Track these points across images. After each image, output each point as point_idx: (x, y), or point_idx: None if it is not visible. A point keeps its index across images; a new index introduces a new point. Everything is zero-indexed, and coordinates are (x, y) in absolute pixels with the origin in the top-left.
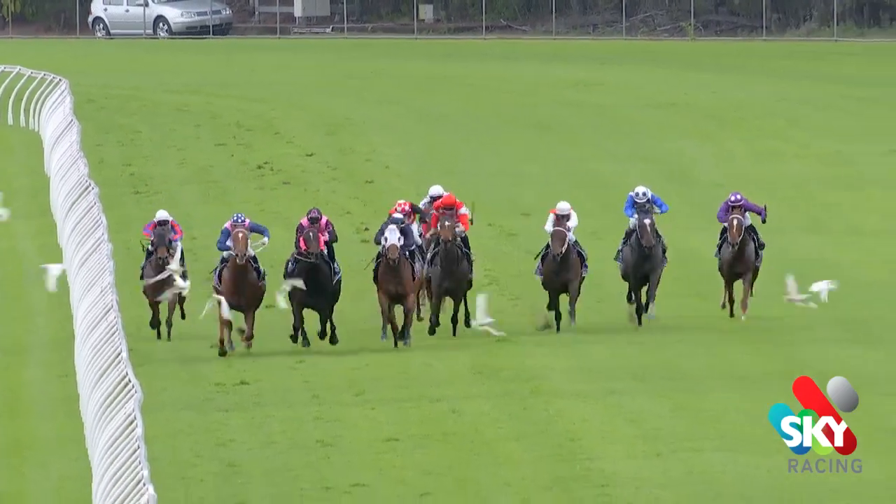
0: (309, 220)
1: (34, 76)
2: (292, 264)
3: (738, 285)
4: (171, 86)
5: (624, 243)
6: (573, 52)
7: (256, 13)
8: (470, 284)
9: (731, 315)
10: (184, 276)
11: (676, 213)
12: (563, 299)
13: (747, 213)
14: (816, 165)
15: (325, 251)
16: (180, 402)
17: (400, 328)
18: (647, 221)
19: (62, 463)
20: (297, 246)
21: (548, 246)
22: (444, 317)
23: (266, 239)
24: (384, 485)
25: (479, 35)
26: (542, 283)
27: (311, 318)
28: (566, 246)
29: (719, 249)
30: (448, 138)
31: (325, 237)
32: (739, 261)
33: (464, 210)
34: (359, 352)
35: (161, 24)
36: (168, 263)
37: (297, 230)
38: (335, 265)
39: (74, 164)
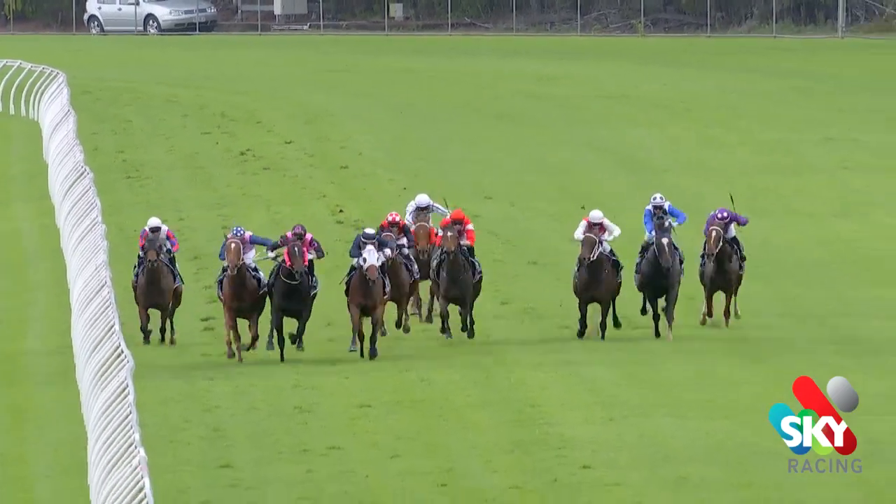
0: (294, 235)
1: (34, 70)
2: (273, 279)
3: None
4: (161, 79)
5: (641, 257)
6: (532, 47)
7: (239, 11)
8: (477, 292)
9: (727, 325)
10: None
11: (627, 196)
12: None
13: (732, 225)
14: (758, 152)
15: (307, 267)
16: (169, 371)
17: (368, 337)
18: (664, 241)
19: (59, 428)
20: (271, 252)
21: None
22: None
23: (270, 254)
24: (358, 448)
25: (446, 32)
26: (574, 291)
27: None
28: (597, 254)
29: (703, 261)
30: (417, 127)
31: (310, 255)
32: (721, 273)
33: (471, 226)
34: (334, 325)
35: (151, 22)
36: (159, 266)
37: (280, 240)
38: (314, 279)
39: (71, 151)
